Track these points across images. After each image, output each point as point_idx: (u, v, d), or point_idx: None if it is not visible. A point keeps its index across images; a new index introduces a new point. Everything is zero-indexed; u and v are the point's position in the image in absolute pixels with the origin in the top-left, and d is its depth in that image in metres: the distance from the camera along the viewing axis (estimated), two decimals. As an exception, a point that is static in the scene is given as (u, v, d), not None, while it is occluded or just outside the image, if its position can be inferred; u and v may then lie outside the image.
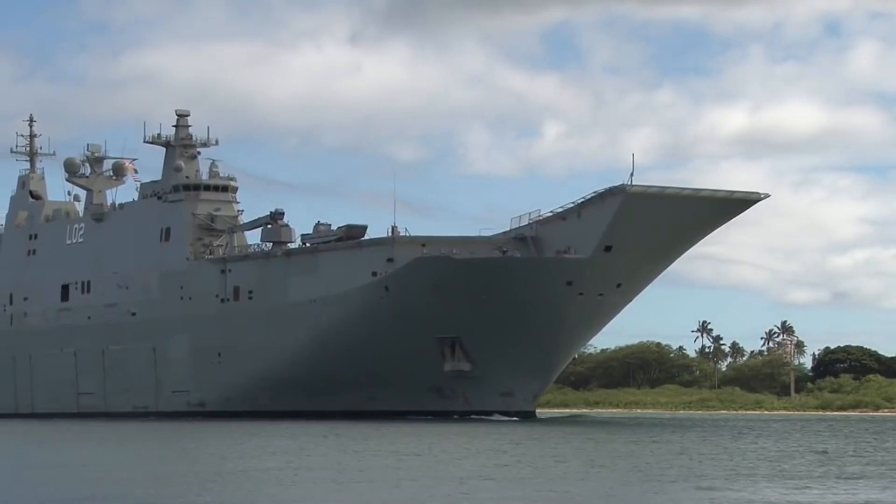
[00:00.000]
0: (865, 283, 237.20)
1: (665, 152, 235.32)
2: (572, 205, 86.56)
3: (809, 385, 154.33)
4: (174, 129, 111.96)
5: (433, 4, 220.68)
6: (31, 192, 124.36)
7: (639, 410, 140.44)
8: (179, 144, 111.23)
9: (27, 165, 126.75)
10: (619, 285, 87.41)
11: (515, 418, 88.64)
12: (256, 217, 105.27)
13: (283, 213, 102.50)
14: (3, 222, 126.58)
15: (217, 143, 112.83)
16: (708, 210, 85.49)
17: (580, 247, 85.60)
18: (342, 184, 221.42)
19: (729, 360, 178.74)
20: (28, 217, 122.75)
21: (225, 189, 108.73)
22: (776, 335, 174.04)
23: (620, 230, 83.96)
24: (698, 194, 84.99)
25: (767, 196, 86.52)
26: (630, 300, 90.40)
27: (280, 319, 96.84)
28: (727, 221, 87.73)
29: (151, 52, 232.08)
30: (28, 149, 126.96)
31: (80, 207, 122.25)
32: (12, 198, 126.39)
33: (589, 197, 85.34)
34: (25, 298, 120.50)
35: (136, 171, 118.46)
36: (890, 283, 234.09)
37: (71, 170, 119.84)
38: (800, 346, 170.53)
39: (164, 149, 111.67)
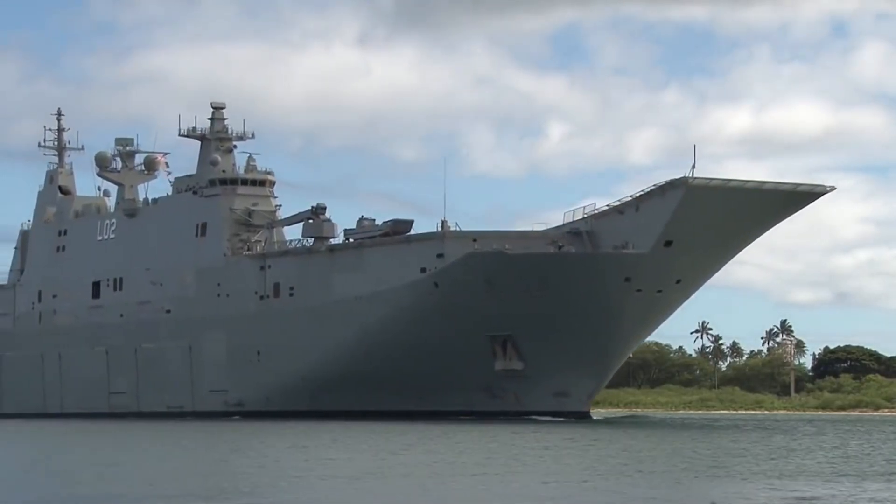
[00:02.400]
0: (868, 283, 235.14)
1: (669, 152, 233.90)
2: (630, 198, 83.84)
3: (809, 385, 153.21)
4: (209, 122, 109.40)
5: (441, 6, 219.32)
6: (59, 188, 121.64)
7: (640, 410, 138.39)
8: (215, 138, 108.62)
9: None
10: (678, 281, 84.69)
11: (571, 419, 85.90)
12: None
13: (324, 208, 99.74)
14: (31, 218, 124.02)
15: (253, 136, 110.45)
16: (772, 203, 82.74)
17: (638, 241, 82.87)
18: (347, 184, 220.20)
19: (729, 359, 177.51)
20: (57, 213, 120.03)
21: (262, 183, 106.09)
22: (776, 335, 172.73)
23: (681, 224, 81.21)
24: (762, 187, 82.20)
25: (833, 189, 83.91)
26: (689, 297, 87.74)
27: (324, 317, 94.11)
28: (791, 215, 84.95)
29: (159, 52, 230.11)
30: (56, 143, 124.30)
31: (109, 203, 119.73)
32: (40, 193, 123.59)
33: (648, 190, 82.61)
34: (54, 296, 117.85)
35: (167, 166, 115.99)
36: (892, 283, 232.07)
37: (102, 164, 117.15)
38: (800, 345, 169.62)
39: (200, 143, 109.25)
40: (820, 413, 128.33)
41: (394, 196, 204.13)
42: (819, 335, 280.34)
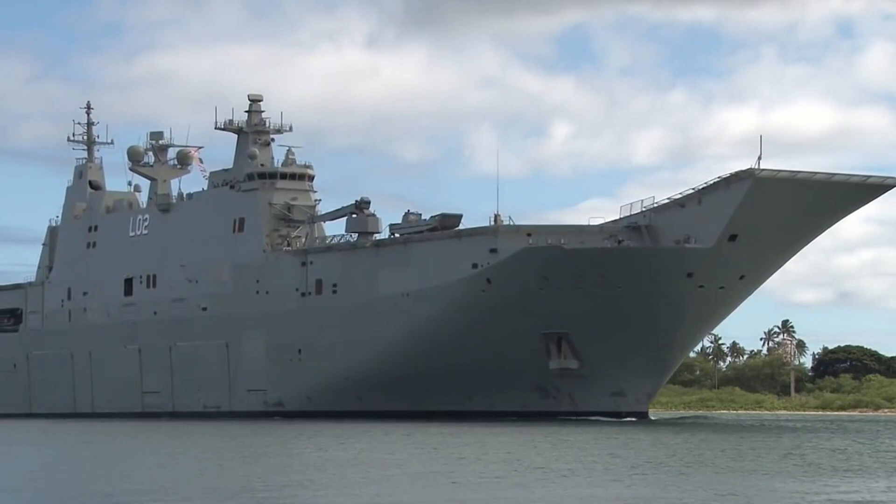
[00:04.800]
0: (870, 283, 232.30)
1: (673, 153, 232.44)
2: (692, 191, 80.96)
3: (809, 385, 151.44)
4: (246, 114, 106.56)
5: (449, 7, 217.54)
6: (90, 182, 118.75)
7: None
8: (252, 131, 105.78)
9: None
10: (742, 277, 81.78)
11: (632, 419, 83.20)
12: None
13: (369, 202, 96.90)
14: (59, 214, 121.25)
15: (291, 129, 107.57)
16: (840, 196, 79.82)
17: (701, 236, 79.96)
18: (351, 183, 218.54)
19: (729, 359, 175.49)
20: (87, 208, 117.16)
21: (302, 177, 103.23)
22: (776, 335, 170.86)
23: (746, 218, 78.30)
24: (831, 179, 79.27)
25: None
26: (751, 293, 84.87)
27: (369, 314, 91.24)
28: (859, 208, 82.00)
29: (167, 53, 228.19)
30: (86, 137, 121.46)
31: (140, 198, 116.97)
32: (68, 189, 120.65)
33: (711, 182, 79.70)
34: (85, 293, 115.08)
35: (201, 160, 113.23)
36: (894, 284, 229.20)
37: (134, 158, 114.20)
38: (800, 345, 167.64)
39: (236, 136, 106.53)
40: (820, 413, 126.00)
41: (400, 196, 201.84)
42: (820, 335, 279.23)
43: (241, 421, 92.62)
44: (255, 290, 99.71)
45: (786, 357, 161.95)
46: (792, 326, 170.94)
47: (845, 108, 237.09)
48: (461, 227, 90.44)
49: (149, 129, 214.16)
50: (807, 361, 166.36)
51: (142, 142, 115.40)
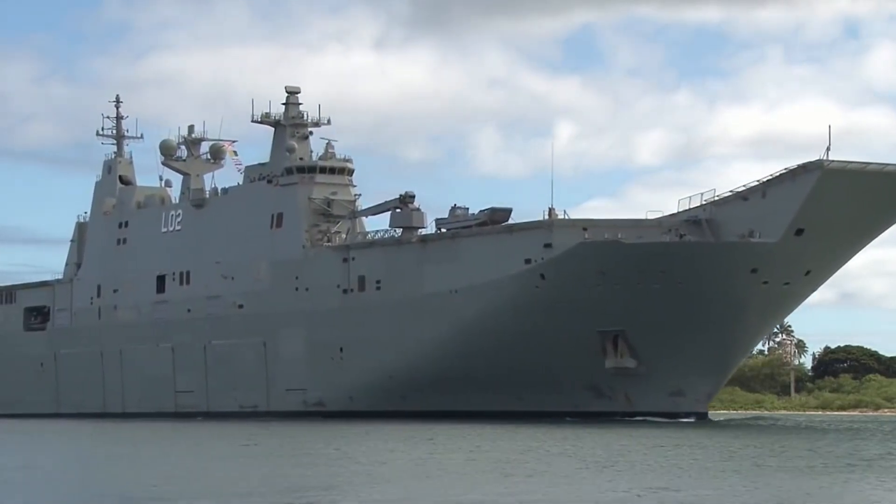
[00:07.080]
0: (871, 283, 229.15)
1: (676, 153, 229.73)
2: (756, 183, 78.21)
3: (809, 385, 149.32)
4: (283, 107, 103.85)
5: (456, 9, 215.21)
6: (120, 178, 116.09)
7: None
8: (290, 124, 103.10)
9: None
10: (807, 273, 79.01)
11: (693, 419, 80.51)
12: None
13: (413, 196, 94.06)
14: (88, 210, 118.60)
15: (329, 122, 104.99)
16: (911, 188, 77.15)
17: (766, 230, 77.18)
18: (356, 183, 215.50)
19: None
20: (117, 204, 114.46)
21: (342, 171, 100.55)
22: (776, 335, 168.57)
23: (814, 211, 75.49)
24: (902, 171, 76.66)
25: (977, 173, 78.02)
26: (816, 289, 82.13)
27: (415, 312, 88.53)
28: (928, 201, 79.24)
29: (173, 54, 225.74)
30: (115, 131, 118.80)
31: (171, 193, 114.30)
32: (97, 184, 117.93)
33: (777, 174, 76.93)
34: (115, 290, 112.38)
35: (236, 154, 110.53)
36: (895, 283, 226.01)
37: (167, 152, 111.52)
38: (800, 345, 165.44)
39: (273, 129, 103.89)
40: (821, 413, 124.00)
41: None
42: (820, 335, 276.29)
43: (289, 422, 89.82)
44: (295, 286, 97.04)
45: (786, 357, 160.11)
46: (789, 326, 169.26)
47: (849, 108, 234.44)
48: (511, 221, 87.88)
49: (155, 129, 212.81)
50: (806, 361, 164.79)
51: (173, 135, 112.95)
